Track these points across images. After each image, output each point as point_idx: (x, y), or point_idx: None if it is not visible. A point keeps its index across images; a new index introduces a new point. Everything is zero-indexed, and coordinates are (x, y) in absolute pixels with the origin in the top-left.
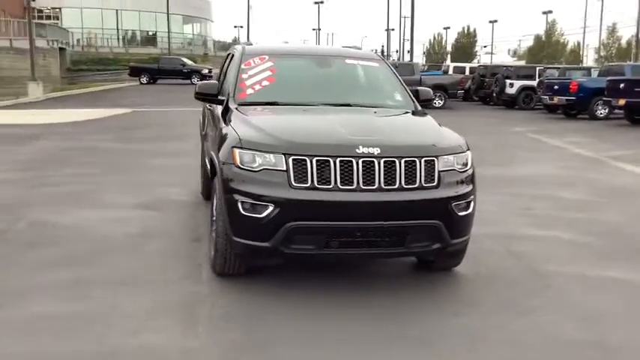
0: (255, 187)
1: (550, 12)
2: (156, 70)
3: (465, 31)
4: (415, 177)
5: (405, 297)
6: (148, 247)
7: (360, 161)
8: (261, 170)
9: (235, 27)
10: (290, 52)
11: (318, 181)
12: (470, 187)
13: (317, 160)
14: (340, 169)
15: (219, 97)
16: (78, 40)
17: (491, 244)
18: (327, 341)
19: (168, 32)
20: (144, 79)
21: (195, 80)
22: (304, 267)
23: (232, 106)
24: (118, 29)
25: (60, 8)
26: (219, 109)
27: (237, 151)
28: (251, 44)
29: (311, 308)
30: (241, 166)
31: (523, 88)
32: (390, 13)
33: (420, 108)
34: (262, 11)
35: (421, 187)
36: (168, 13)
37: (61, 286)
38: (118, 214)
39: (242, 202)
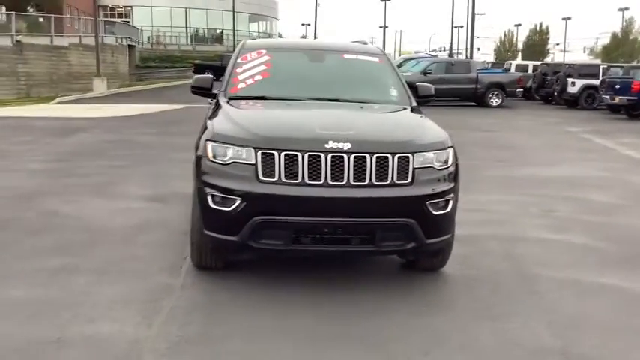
0: (225, 180)
1: (626, 9)
2: (219, 67)
3: (537, 29)
4: (387, 174)
5: (378, 296)
6: (141, 239)
7: (329, 156)
8: (231, 164)
9: (303, 24)
10: (288, 47)
11: (285, 176)
12: (449, 186)
13: (285, 155)
14: (308, 164)
15: (214, 92)
16: (148, 38)
17: (493, 246)
18: (277, 337)
19: (234, 30)
20: None
21: None
22: (286, 263)
23: (222, 100)
24: (186, 27)
25: (131, 6)
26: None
27: (210, 145)
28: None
29: (279, 304)
30: (213, 160)
31: (585, 87)
32: (458, 11)
33: (414, 104)
34: (330, 8)
35: (393, 185)
36: (234, 12)
37: (44, 273)
38: (126, 206)
39: (212, 196)
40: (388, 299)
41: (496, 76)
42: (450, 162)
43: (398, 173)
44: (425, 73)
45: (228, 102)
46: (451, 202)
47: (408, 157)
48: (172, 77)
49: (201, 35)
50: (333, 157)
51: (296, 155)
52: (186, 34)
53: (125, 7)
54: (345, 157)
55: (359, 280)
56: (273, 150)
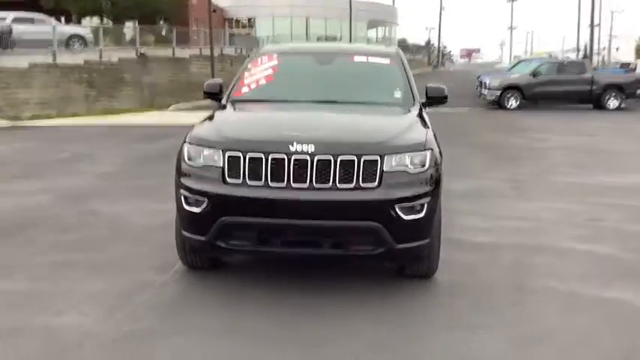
0: (195, 181)
1: None
2: None
3: None
4: (351, 176)
5: (350, 302)
6: (154, 237)
7: (293, 158)
8: (202, 166)
9: (427, 29)
10: (299, 51)
11: (250, 178)
12: (424, 189)
13: (250, 157)
14: (272, 166)
15: (221, 96)
16: None
17: (508, 255)
18: (221, 337)
19: (350, 37)
20: None
21: None
22: (278, 266)
23: (223, 103)
24: (306, 36)
25: (254, 18)
26: None
27: (186, 147)
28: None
29: (244, 306)
30: (187, 162)
31: None
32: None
33: (418, 106)
34: (455, 12)
35: (358, 188)
36: (350, 18)
37: (46, 267)
38: (159, 207)
39: (185, 197)
40: (358, 305)
41: (614, 77)
42: (427, 165)
43: (364, 176)
44: (534, 74)
45: (225, 106)
46: (426, 206)
47: (375, 160)
48: None
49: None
50: (296, 159)
51: (260, 157)
52: (306, 41)
53: (249, 18)
54: (309, 159)
55: (337, 285)
56: (239, 152)
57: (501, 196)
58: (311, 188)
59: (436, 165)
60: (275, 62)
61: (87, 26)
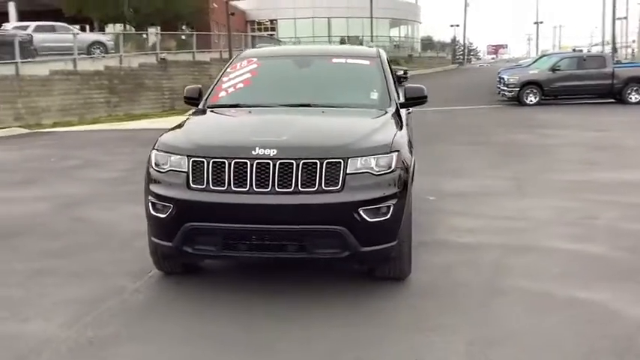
0: (161, 187)
1: None
2: None
3: None
4: (314, 180)
5: (317, 305)
6: (138, 244)
7: (255, 163)
8: (167, 172)
9: (452, 26)
10: (279, 55)
11: (213, 183)
12: (390, 191)
13: (213, 162)
14: (234, 171)
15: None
16: None
17: (489, 256)
18: (184, 341)
19: (371, 36)
20: None
21: None
22: (254, 269)
23: (200, 108)
24: (328, 36)
25: (276, 20)
26: None
27: (153, 153)
28: None
29: (215, 311)
30: (155, 168)
31: None
32: (621, 2)
33: (394, 107)
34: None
35: (321, 191)
36: (372, 18)
37: (24, 275)
38: None
39: (152, 203)
40: (326, 309)
41: (635, 71)
42: (392, 166)
43: (326, 179)
44: (553, 69)
45: (199, 111)
46: (392, 209)
47: (338, 163)
48: None
49: (342, 43)
50: (258, 163)
51: (223, 162)
52: (329, 42)
53: (271, 20)
54: (271, 163)
55: (309, 289)
56: (203, 157)
57: (499, 195)
58: (273, 192)
59: (404, 167)
60: (254, 66)
61: (107, 33)
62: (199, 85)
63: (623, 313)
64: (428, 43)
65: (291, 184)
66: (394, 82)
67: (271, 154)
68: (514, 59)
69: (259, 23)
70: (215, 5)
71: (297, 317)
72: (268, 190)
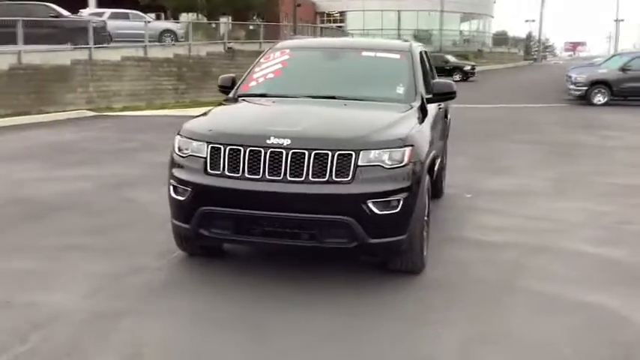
0: (181, 171)
1: None
2: None
3: None
4: (325, 170)
5: (327, 294)
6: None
7: (269, 151)
8: (188, 157)
9: (527, 21)
10: (311, 46)
11: (229, 169)
12: (400, 185)
13: (230, 149)
14: (249, 159)
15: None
16: None
17: (508, 256)
18: (186, 320)
19: (440, 30)
20: None
21: (456, 77)
22: (279, 259)
23: (229, 97)
24: (398, 29)
25: (345, 12)
26: None
27: (177, 139)
28: None
29: (229, 292)
30: (178, 153)
31: None
32: None
33: (419, 102)
34: (560, 3)
35: (331, 181)
36: (442, 11)
37: (59, 248)
38: None
39: (173, 186)
40: (330, 297)
41: None
42: (405, 161)
43: (337, 170)
44: (624, 69)
45: (227, 100)
46: (402, 202)
47: (349, 155)
48: None
49: (409, 36)
50: (272, 152)
51: (239, 150)
52: (399, 35)
53: (340, 12)
54: (284, 152)
55: (324, 278)
56: (220, 144)
57: (537, 194)
58: (285, 181)
59: (418, 161)
60: (286, 57)
61: (179, 22)
62: (233, 75)
63: (630, 319)
64: (500, 38)
65: (302, 174)
66: (427, 76)
67: (284, 144)
68: (591, 57)
69: (328, 15)
70: None
71: (301, 302)
72: (280, 178)
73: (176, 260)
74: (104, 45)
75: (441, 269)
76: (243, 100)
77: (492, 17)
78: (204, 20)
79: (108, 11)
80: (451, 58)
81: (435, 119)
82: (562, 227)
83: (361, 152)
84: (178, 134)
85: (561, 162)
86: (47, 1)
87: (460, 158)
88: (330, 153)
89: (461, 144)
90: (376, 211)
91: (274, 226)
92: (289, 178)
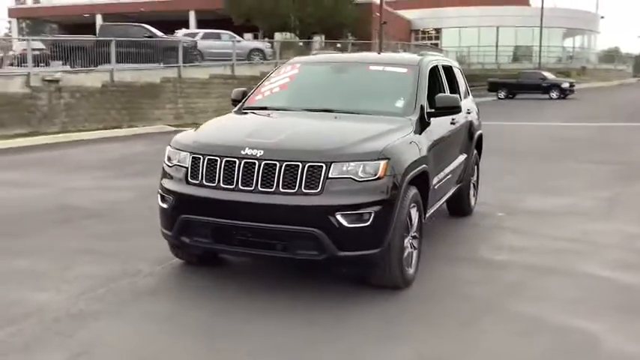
0: (167, 181)
1: None
2: (514, 85)
3: None
4: (295, 182)
5: (298, 305)
6: None
7: (243, 162)
8: (174, 166)
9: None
10: (321, 61)
11: (206, 179)
12: (372, 198)
13: (208, 159)
14: (224, 169)
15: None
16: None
17: (511, 275)
18: (164, 324)
19: (540, 46)
20: (501, 94)
21: (553, 95)
22: (272, 269)
23: (236, 110)
24: (496, 46)
25: (440, 29)
26: None
27: (167, 149)
28: None
29: (209, 299)
30: (167, 163)
31: None
32: None
33: (416, 116)
34: None
35: (300, 193)
36: (541, 27)
37: (69, 250)
38: None
39: (161, 195)
40: (303, 308)
41: None
42: (378, 174)
43: (307, 182)
44: None
45: (230, 113)
46: (374, 215)
47: (320, 166)
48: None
49: (508, 53)
50: (245, 163)
51: (216, 160)
52: (496, 52)
53: (436, 29)
54: (256, 163)
55: (298, 289)
56: (200, 154)
57: (577, 215)
58: (256, 191)
59: (396, 175)
60: (295, 72)
61: (267, 41)
62: (244, 88)
63: (603, 346)
64: (608, 55)
65: (272, 185)
66: (437, 91)
67: (257, 155)
68: None
69: (423, 32)
70: (377, 14)
71: (272, 311)
72: (252, 189)
73: (170, 267)
74: (194, 64)
75: (429, 285)
76: (245, 112)
77: (598, 33)
78: (297, 39)
79: (201, 31)
80: (549, 75)
81: (442, 133)
82: (586, 249)
83: (332, 164)
84: (169, 145)
85: (623, 183)
86: (147, 23)
87: (514, 177)
88: (300, 164)
89: (522, 162)
90: (345, 223)
91: (248, 236)
92: (260, 189)
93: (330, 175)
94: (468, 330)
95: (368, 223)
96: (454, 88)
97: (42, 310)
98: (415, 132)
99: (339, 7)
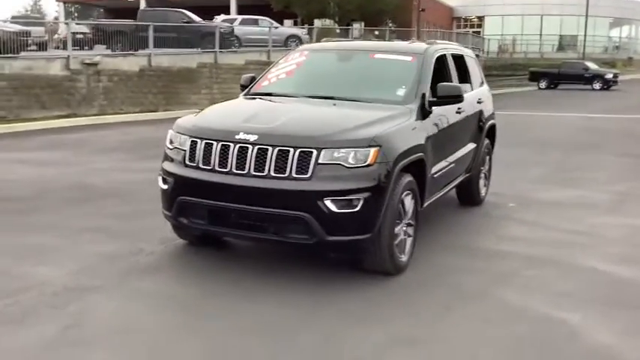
0: (167, 163)
1: None
2: (556, 75)
3: None
4: (286, 166)
5: (275, 285)
6: None
7: (237, 147)
8: (174, 149)
9: None
10: (329, 48)
11: (203, 162)
12: (361, 184)
13: (205, 143)
14: (220, 152)
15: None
16: (501, 47)
17: (507, 265)
18: (156, 301)
19: (585, 35)
20: (542, 84)
21: (596, 85)
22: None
23: (242, 95)
24: (540, 35)
25: (483, 16)
26: None
27: (169, 133)
28: None
29: (208, 279)
30: (168, 146)
31: None
32: None
33: (416, 104)
34: None
35: (291, 178)
36: (586, 16)
37: (79, 229)
38: None
39: (162, 177)
40: (292, 290)
41: None
42: (368, 161)
43: (297, 167)
44: None
45: (237, 98)
46: (363, 201)
47: (310, 152)
48: (506, 85)
49: (552, 42)
50: (240, 147)
51: (212, 144)
52: (540, 41)
53: (478, 17)
54: (250, 148)
55: (301, 276)
56: (198, 138)
57: (589, 207)
58: (249, 175)
59: (387, 162)
60: (302, 59)
61: (304, 27)
62: (253, 74)
63: (581, 337)
64: None
65: (264, 169)
66: (443, 79)
67: (251, 140)
68: None
69: (466, 20)
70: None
71: (259, 292)
72: (245, 172)
73: (173, 247)
74: (230, 49)
75: (421, 273)
76: (251, 98)
77: None
78: (335, 26)
79: (239, 17)
80: (592, 66)
81: (446, 122)
82: (590, 242)
83: (323, 150)
84: (171, 129)
85: None
86: (189, 9)
87: (539, 168)
88: (291, 150)
89: (551, 153)
90: (334, 209)
91: (242, 219)
92: (253, 173)
93: (320, 161)
94: (448, 316)
95: (357, 209)
96: (465, 77)
97: (43, 283)
98: (413, 120)
99: None
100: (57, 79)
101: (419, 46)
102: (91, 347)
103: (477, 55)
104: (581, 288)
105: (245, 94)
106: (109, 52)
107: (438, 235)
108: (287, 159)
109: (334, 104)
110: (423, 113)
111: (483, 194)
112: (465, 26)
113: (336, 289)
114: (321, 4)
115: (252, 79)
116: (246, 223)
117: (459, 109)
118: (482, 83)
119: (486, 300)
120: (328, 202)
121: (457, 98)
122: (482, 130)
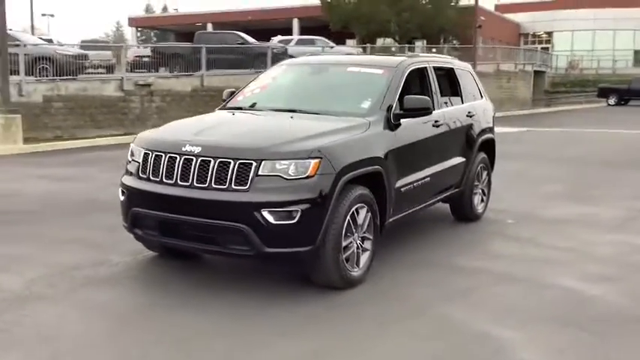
0: (125, 176)
1: None
2: (625, 91)
3: None
4: (226, 178)
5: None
6: None
7: (182, 159)
8: (131, 162)
9: None
10: (305, 62)
11: (152, 174)
12: (299, 196)
13: (155, 155)
14: (167, 164)
15: None
16: (570, 63)
17: (469, 281)
18: (100, 311)
19: None
20: (611, 101)
21: None
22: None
23: (217, 110)
24: (613, 50)
25: (552, 32)
26: None
27: (130, 146)
28: None
29: (162, 290)
30: (128, 159)
31: None
32: None
33: (380, 117)
34: None
35: (230, 189)
36: None
37: (59, 239)
38: None
39: (120, 190)
40: (240, 301)
41: None
42: (308, 172)
43: (237, 178)
44: None
45: (211, 112)
46: (301, 213)
47: (249, 164)
48: (576, 102)
49: (625, 57)
50: (185, 159)
51: (161, 156)
52: (614, 57)
53: (547, 33)
54: (194, 159)
55: (251, 288)
56: (149, 150)
57: (593, 225)
58: (192, 187)
59: (327, 174)
60: (279, 72)
61: (359, 47)
62: (233, 89)
63: (508, 354)
64: None
65: (206, 180)
66: (419, 93)
67: (195, 152)
68: None
69: (534, 35)
70: (482, 18)
71: (208, 303)
72: (188, 184)
73: (142, 259)
74: None
75: (374, 287)
76: (213, 113)
77: None
78: (396, 45)
79: (295, 38)
80: None
81: (418, 135)
82: (575, 259)
83: (263, 162)
84: (133, 142)
85: None
86: (254, 31)
87: (558, 184)
88: (232, 162)
89: (578, 169)
90: (272, 220)
91: (190, 230)
92: (196, 184)
93: (260, 173)
94: (379, 331)
95: (295, 220)
96: (454, 90)
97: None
98: (373, 132)
99: (438, 11)
100: (111, 100)
101: (393, 59)
102: (7, 352)
103: (543, 72)
104: (538, 306)
105: (219, 108)
106: (167, 73)
107: (415, 250)
108: (227, 170)
109: (291, 117)
110: (389, 126)
111: (480, 210)
112: (533, 42)
113: (275, 302)
114: (379, 23)
115: (232, 94)
116: (195, 234)
117: (436, 121)
118: (477, 97)
119: (426, 315)
120: (266, 214)
121: (425, 110)
122: (473, 144)
